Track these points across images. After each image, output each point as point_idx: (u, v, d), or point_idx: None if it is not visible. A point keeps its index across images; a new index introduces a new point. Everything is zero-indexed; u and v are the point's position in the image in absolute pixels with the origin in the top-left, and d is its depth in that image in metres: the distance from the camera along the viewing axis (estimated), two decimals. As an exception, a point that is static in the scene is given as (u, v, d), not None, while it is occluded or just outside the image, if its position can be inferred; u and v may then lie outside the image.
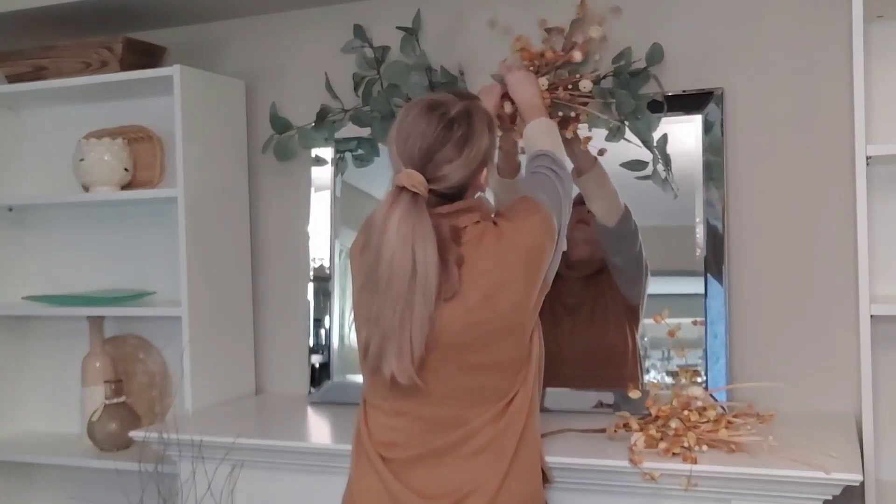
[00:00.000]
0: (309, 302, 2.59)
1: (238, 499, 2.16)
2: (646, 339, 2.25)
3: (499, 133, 1.98)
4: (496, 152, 1.73)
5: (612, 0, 2.28)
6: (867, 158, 1.87)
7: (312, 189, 2.61)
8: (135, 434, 2.28)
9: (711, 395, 2.02)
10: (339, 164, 2.57)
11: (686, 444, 1.80)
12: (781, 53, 2.20)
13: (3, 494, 2.81)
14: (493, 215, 1.68)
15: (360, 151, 2.52)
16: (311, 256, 2.60)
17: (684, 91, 2.24)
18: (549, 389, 2.17)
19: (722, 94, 2.22)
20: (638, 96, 2.18)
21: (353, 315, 1.67)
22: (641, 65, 2.22)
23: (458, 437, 1.62)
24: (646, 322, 2.25)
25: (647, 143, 2.18)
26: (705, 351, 2.18)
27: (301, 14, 2.65)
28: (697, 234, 2.21)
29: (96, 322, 2.67)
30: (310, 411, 2.44)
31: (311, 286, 2.59)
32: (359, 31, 2.45)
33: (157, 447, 2.22)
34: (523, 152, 2.16)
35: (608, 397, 2.23)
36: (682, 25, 2.27)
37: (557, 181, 1.78)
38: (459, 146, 1.59)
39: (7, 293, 2.83)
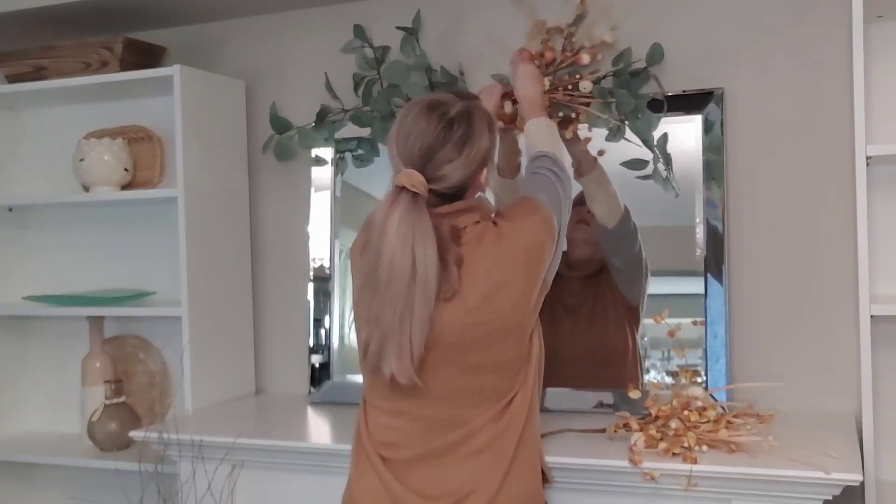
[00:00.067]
0: (309, 302, 2.59)
1: (238, 499, 2.16)
2: (646, 339, 2.25)
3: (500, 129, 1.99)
4: (496, 152, 1.73)
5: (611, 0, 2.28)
6: (867, 158, 1.87)
7: (312, 189, 2.61)
8: (135, 434, 2.28)
9: (711, 395, 2.02)
10: (339, 164, 2.57)
11: (686, 444, 1.80)
12: (781, 53, 2.20)
13: (3, 494, 2.81)
14: (493, 215, 1.68)
15: (360, 151, 2.52)
16: (311, 256, 2.60)
17: (684, 91, 2.24)
18: (549, 389, 2.17)
19: (722, 94, 2.22)
20: (638, 96, 2.18)
21: (352, 315, 1.67)
22: (641, 65, 2.22)
23: (458, 437, 1.62)
24: (646, 322, 2.25)
25: (647, 142, 2.19)
26: (705, 351, 2.18)
27: (301, 14, 2.65)
28: (697, 234, 2.21)
29: (96, 322, 2.67)
30: (310, 411, 2.44)
31: (311, 286, 2.59)
32: (359, 31, 2.45)
33: (157, 447, 2.22)
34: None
35: (608, 397, 2.23)
36: (682, 25, 2.27)
37: (557, 182, 1.78)
38: (459, 146, 1.59)
39: (7, 293, 2.83)
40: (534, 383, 1.68)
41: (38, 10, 2.55)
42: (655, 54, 2.22)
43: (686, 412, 1.87)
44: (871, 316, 1.86)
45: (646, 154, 2.20)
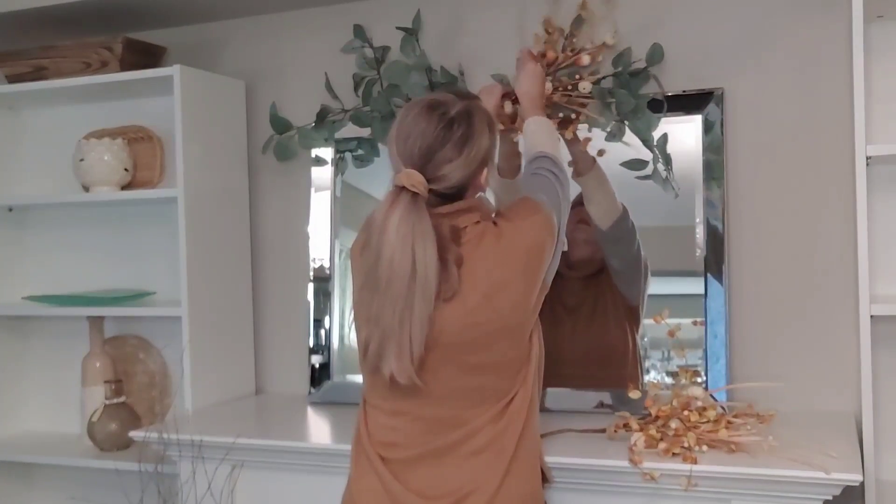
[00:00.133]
0: (309, 302, 2.59)
1: (238, 499, 2.16)
2: (646, 339, 2.25)
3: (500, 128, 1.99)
4: (496, 152, 1.73)
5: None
6: (867, 158, 1.87)
7: (312, 189, 2.61)
8: (135, 434, 2.28)
9: (711, 395, 2.02)
10: (339, 164, 2.57)
11: (686, 444, 1.80)
12: (781, 53, 2.20)
13: (3, 494, 2.81)
14: (493, 215, 1.68)
15: (360, 151, 2.52)
16: (311, 256, 2.60)
17: (684, 91, 2.24)
18: (549, 389, 2.17)
19: (722, 94, 2.22)
20: (638, 96, 2.18)
21: (352, 315, 1.67)
22: (641, 65, 2.22)
23: (458, 437, 1.62)
24: (646, 322, 2.25)
25: (647, 142, 2.18)
26: (705, 351, 2.18)
27: (301, 14, 2.65)
28: (697, 234, 2.21)
29: (96, 322, 2.67)
30: (310, 411, 2.44)
31: (311, 286, 2.59)
32: (359, 31, 2.45)
33: (157, 447, 2.22)
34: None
35: (608, 397, 2.23)
36: (682, 25, 2.27)
37: (557, 183, 1.78)
38: (459, 146, 1.59)
39: (7, 293, 2.83)
40: (534, 383, 1.68)
41: (38, 10, 2.55)
42: (655, 54, 2.22)
43: (686, 412, 1.87)
44: (871, 316, 1.86)
45: (645, 154, 2.20)
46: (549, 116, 2.10)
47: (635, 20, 2.28)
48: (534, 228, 1.65)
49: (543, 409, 1.98)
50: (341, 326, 2.55)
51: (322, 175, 2.60)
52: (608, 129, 2.18)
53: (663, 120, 2.18)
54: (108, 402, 2.54)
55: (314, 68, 2.59)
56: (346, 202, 2.58)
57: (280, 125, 2.56)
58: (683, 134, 2.22)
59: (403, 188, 1.56)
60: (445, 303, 1.56)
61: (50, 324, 2.90)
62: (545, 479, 1.77)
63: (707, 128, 2.22)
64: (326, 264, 2.58)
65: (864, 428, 1.86)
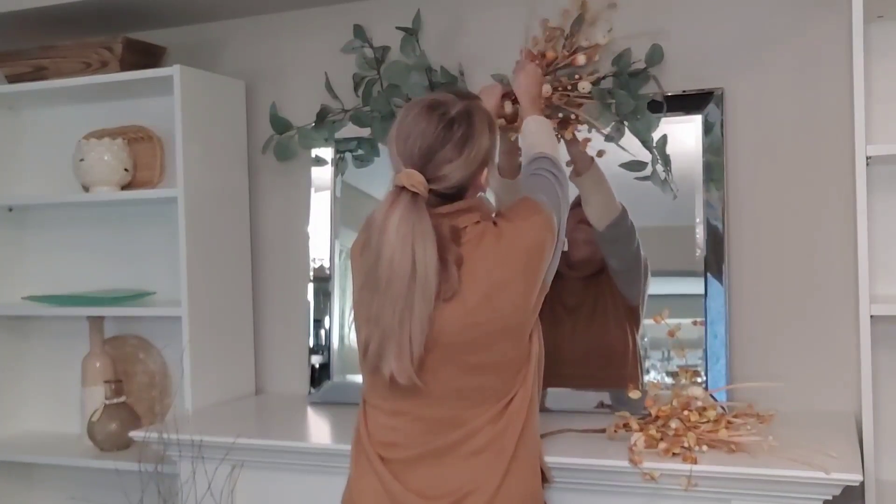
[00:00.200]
0: (309, 302, 2.59)
1: (238, 499, 2.16)
2: (646, 339, 2.25)
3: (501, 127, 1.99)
4: (497, 152, 1.73)
5: None
6: (867, 158, 1.87)
7: (312, 189, 2.61)
8: (135, 434, 2.28)
9: (711, 395, 2.02)
10: (339, 165, 2.57)
11: (686, 444, 1.80)
12: (781, 53, 2.20)
13: (3, 494, 2.81)
14: (493, 215, 1.68)
15: (360, 151, 2.52)
16: (311, 256, 2.60)
17: (684, 91, 2.24)
18: (549, 389, 2.17)
19: (722, 94, 2.22)
20: (638, 97, 2.18)
21: (352, 315, 1.67)
22: (641, 65, 2.22)
23: (458, 437, 1.62)
24: (646, 322, 2.25)
25: (646, 143, 2.18)
26: (705, 351, 2.18)
27: (301, 14, 2.65)
28: (697, 234, 2.21)
29: (96, 322, 2.67)
30: (310, 411, 2.44)
31: (311, 286, 2.59)
32: (359, 31, 2.45)
33: (157, 447, 2.22)
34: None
35: (608, 397, 2.23)
36: (682, 25, 2.27)
37: (556, 183, 1.78)
38: (460, 146, 1.59)
39: (7, 293, 2.83)
40: (533, 383, 1.68)
41: (38, 10, 2.55)
42: (655, 55, 2.22)
43: (686, 412, 1.87)
44: (871, 316, 1.86)
45: (645, 155, 2.20)
46: (548, 117, 2.11)
47: (635, 20, 2.28)
48: (534, 229, 1.65)
49: (543, 409, 1.98)
50: (341, 326, 2.55)
51: (322, 175, 2.60)
52: (607, 130, 2.18)
53: (663, 120, 2.18)
54: (108, 402, 2.54)
55: (314, 68, 2.59)
56: (346, 202, 2.58)
57: (280, 125, 2.56)
58: (683, 134, 2.22)
59: (403, 188, 1.56)
60: (445, 303, 1.56)
61: (50, 324, 2.90)
62: (545, 479, 1.77)
63: (707, 128, 2.22)
64: (326, 264, 2.58)
65: (864, 428, 1.86)
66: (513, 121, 2.15)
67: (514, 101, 2.13)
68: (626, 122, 2.19)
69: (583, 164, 2.21)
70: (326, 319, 2.56)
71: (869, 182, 1.89)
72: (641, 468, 1.77)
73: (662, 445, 1.81)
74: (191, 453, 2.16)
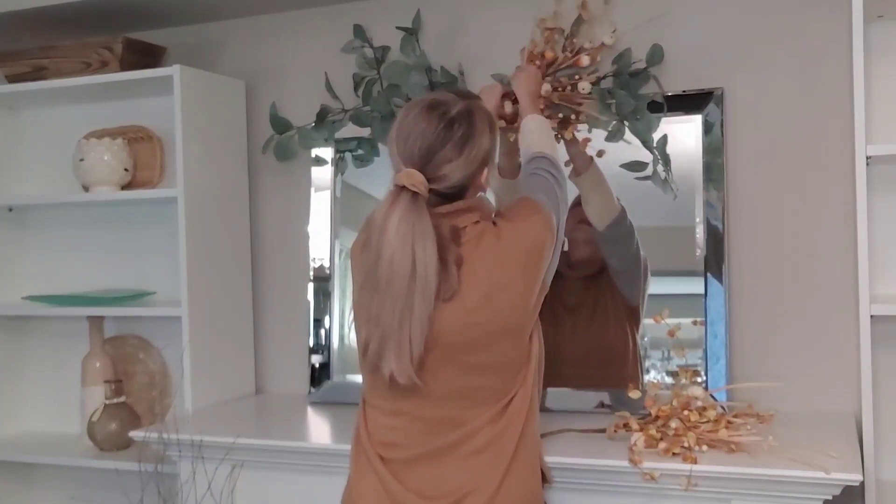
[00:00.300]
0: (309, 302, 2.59)
1: (238, 499, 2.16)
2: (646, 339, 2.25)
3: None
4: (497, 152, 1.73)
5: None
6: (867, 158, 1.87)
7: (312, 189, 2.61)
8: (135, 434, 2.28)
9: (711, 395, 2.02)
10: (339, 164, 2.57)
11: (686, 444, 1.80)
12: (781, 53, 2.20)
13: (3, 494, 2.81)
14: (493, 215, 1.68)
15: (360, 151, 2.52)
16: (311, 256, 2.60)
17: (684, 91, 2.24)
18: (549, 389, 2.17)
19: (722, 94, 2.22)
20: (638, 96, 2.18)
21: (352, 315, 1.67)
22: (641, 65, 2.22)
23: (458, 437, 1.62)
24: (646, 322, 2.25)
25: (646, 143, 2.18)
26: (705, 351, 2.18)
27: (301, 14, 2.65)
28: (697, 234, 2.21)
29: (96, 322, 2.67)
30: (310, 411, 2.44)
31: (311, 286, 2.59)
32: (359, 31, 2.45)
33: (157, 447, 2.22)
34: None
35: (608, 397, 2.23)
36: (682, 25, 2.27)
37: (555, 183, 1.78)
38: (460, 146, 1.59)
39: (7, 293, 2.83)
40: (533, 384, 1.68)
41: (38, 10, 2.55)
42: (655, 55, 2.22)
43: (686, 412, 1.87)
44: (871, 316, 1.86)
45: (645, 156, 2.20)
46: (548, 116, 2.11)
47: (635, 20, 2.28)
48: (534, 228, 1.65)
49: (543, 409, 1.98)
50: (341, 326, 2.55)
51: (322, 175, 2.60)
52: (608, 130, 2.18)
53: (663, 120, 2.18)
54: (108, 402, 2.54)
55: (314, 68, 2.59)
56: (346, 202, 2.58)
57: (280, 125, 2.56)
58: (683, 134, 2.22)
59: (404, 188, 1.55)
60: (445, 303, 1.56)
61: (50, 324, 2.90)
62: (545, 479, 1.77)
63: (707, 128, 2.22)
64: (326, 264, 2.58)
65: (864, 428, 1.86)
66: (513, 121, 2.15)
67: (514, 102, 2.13)
68: (626, 122, 2.18)
69: (582, 164, 2.21)
70: (326, 319, 2.56)
71: (869, 182, 1.89)
72: (641, 468, 1.77)
73: (662, 445, 1.81)
74: (191, 453, 2.16)
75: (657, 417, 1.89)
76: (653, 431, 1.85)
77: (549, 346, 1.76)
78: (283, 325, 2.69)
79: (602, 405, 2.23)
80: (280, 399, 2.62)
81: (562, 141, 2.19)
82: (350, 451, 1.74)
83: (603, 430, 1.98)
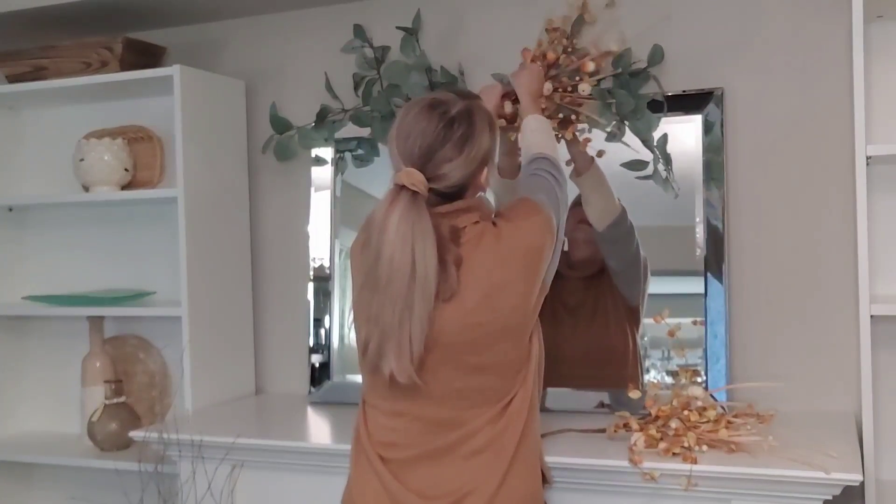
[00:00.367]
0: (309, 302, 2.59)
1: (238, 499, 2.16)
2: (646, 338, 2.25)
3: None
4: (497, 152, 1.73)
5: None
6: (867, 158, 1.87)
7: (312, 189, 2.62)
8: (135, 434, 2.28)
9: (711, 395, 2.02)
10: (339, 164, 2.57)
11: (686, 444, 1.80)
12: (781, 53, 2.20)
13: (3, 494, 2.81)
14: (493, 216, 1.68)
15: (360, 151, 2.52)
16: (311, 256, 2.60)
17: (684, 91, 2.24)
18: (549, 389, 2.17)
19: (722, 94, 2.22)
20: (638, 96, 2.18)
21: (352, 314, 1.67)
22: (641, 65, 2.22)
23: (457, 437, 1.62)
24: (646, 322, 2.25)
25: (647, 142, 2.18)
26: (705, 351, 2.18)
27: (301, 14, 2.65)
28: (697, 234, 2.21)
29: (96, 322, 2.67)
30: (310, 411, 2.44)
31: (311, 286, 2.59)
32: (359, 31, 2.45)
33: (157, 447, 2.22)
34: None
35: (608, 397, 2.23)
36: (682, 25, 2.27)
37: (555, 184, 1.77)
38: (460, 145, 1.59)
39: (7, 293, 2.83)
40: (534, 384, 1.68)
41: (38, 10, 2.55)
42: (655, 55, 2.22)
43: (686, 412, 1.87)
44: (871, 316, 1.86)
45: (645, 155, 2.20)
46: (549, 117, 2.11)
47: (636, 21, 2.28)
48: (533, 229, 1.65)
49: (544, 409, 1.98)
50: (341, 326, 2.55)
51: (322, 175, 2.60)
52: (608, 130, 2.18)
53: (663, 120, 2.18)
54: (108, 402, 2.54)
55: (314, 68, 2.59)
56: (346, 202, 2.58)
57: (280, 125, 2.56)
58: (683, 134, 2.22)
59: (403, 187, 1.55)
60: (444, 303, 1.56)
61: (50, 324, 2.90)
62: (545, 479, 1.77)
63: (707, 128, 2.22)
64: (326, 264, 2.58)
65: (864, 428, 1.86)
66: (513, 121, 2.15)
67: (514, 102, 2.13)
68: (626, 122, 2.18)
69: (583, 164, 2.21)
70: (326, 319, 2.56)
71: (869, 182, 1.89)
72: (641, 468, 1.77)
73: (662, 445, 1.81)
74: (191, 453, 2.16)
75: (657, 417, 1.89)
76: (653, 431, 1.85)
77: (550, 346, 1.76)
78: (283, 325, 2.69)
79: (602, 405, 2.23)
80: (280, 399, 2.62)
81: (562, 141, 2.19)
82: (350, 451, 1.74)
83: (603, 430, 1.98)
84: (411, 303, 1.52)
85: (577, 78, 2.20)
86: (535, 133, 1.91)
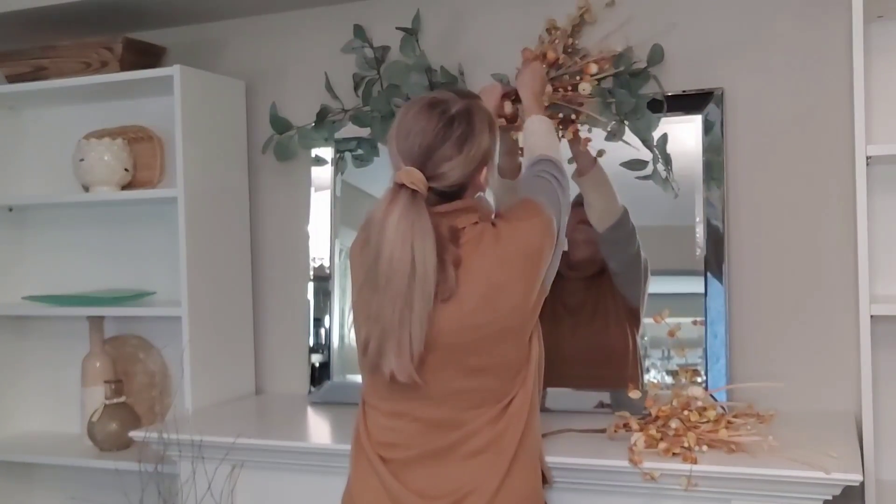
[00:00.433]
0: (309, 302, 2.59)
1: (238, 499, 2.16)
2: (646, 338, 2.25)
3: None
4: (497, 152, 1.73)
5: None
6: (867, 158, 1.87)
7: (312, 189, 2.61)
8: (135, 434, 2.28)
9: (711, 395, 2.02)
10: (339, 164, 2.57)
11: (686, 444, 1.80)
12: (781, 53, 2.20)
13: (3, 494, 2.81)
14: (492, 216, 1.68)
15: (360, 151, 2.52)
16: (311, 256, 2.60)
17: (684, 91, 2.24)
18: (549, 389, 2.17)
19: (722, 94, 2.22)
20: (638, 96, 2.18)
21: (352, 314, 1.67)
22: (642, 65, 2.22)
23: (457, 438, 1.62)
24: (646, 322, 2.25)
25: (646, 142, 2.18)
26: (705, 351, 2.18)
27: (301, 14, 2.65)
28: (697, 234, 2.21)
29: (96, 322, 2.67)
30: (310, 411, 2.44)
31: (311, 286, 2.59)
32: (359, 31, 2.45)
33: (157, 447, 2.22)
34: (523, 153, 2.18)
35: (608, 397, 2.23)
36: (682, 25, 2.27)
37: (558, 187, 1.77)
38: (459, 144, 1.59)
39: (7, 293, 2.83)
40: (534, 385, 1.68)
41: (38, 10, 2.55)
42: (656, 55, 2.22)
43: (686, 412, 1.87)
44: (871, 316, 1.86)
45: (645, 155, 2.20)
46: (549, 116, 2.10)
47: (635, 21, 2.28)
48: (533, 230, 1.65)
49: (544, 409, 1.98)
50: (341, 326, 2.55)
51: (322, 175, 2.60)
52: (608, 129, 2.18)
53: (663, 120, 2.18)
54: (108, 402, 2.54)
55: (314, 68, 2.59)
56: (346, 202, 2.58)
57: (280, 125, 2.56)
58: (683, 134, 2.22)
59: (403, 186, 1.55)
60: (443, 303, 1.56)
61: (50, 324, 2.90)
62: (545, 480, 1.77)
63: (707, 128, 2.22)
64: (326, 264, 2.58)
65: (864, 428, 1.86)
66: (513, 120, 2.15)
67: (514, 101, 2.13)
68: (626, 122, 2.18)
69: (586, 165, 2.21)
70: (326, 319, 2.56)
71: (869, 182, 1.89)
72: (641, 468, 1.77)
73: (662, 445, 1.81)
74: (191, 453, 2.16)
75: (657, 417, 1.89)
76: (653, 431, 1.85)
77: (550, 347, 1.76)
78: (283, 325, 2.69)
79: (602, 405, 2.23)
80: (280, 399, 2.62)
81: (563, 140, 2.19)
82: (350, 451, 1.74)
83: (603, 430, 1.98)
84: (411, 301, 1.52)
85: (578, 78, 2.20)
86: (539, 135, 1.91)
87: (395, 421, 1.65)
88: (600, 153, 2.21)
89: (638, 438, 1.82)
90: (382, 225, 1.53)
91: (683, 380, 1.96)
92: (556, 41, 2.26)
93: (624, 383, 2.16)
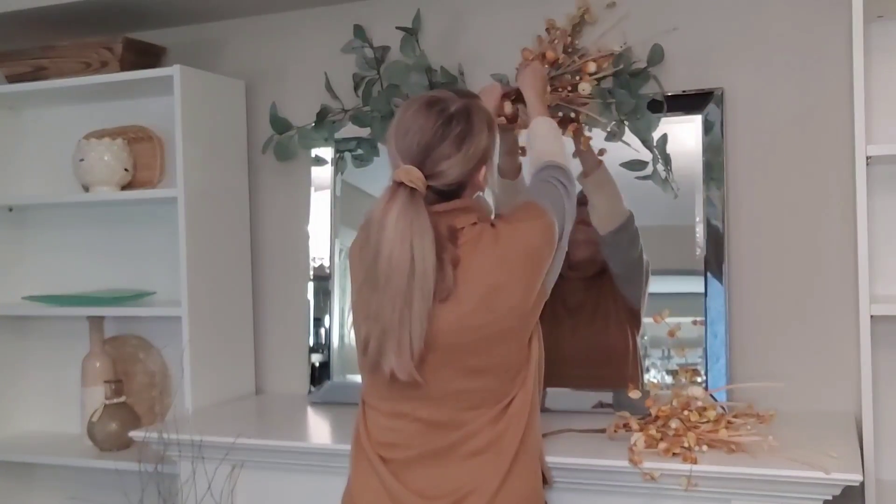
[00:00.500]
0: (309, 301, 2.59)
1: (238, 499, 2.16)
2: (646, 338, 2.25)
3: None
4: (496, 152, 1.72)
5: None
6: (867, 158, 1.87)
7: (312, 189, 2.61)
8: (135, 434, 2.28)
9: (711, 395, 2.02)
10: (339, 164, 2.58)
11: (686, 444, 1.80)
12: (781, 53, 2.20)
13: (3, 494, 2.81)
14: (492, 217, 1.68)
15: (359, 151, 2.52)
16: (311, 256, 2.60)
17: (684, 91, 2.24)
18: (549, 389, 2.17)
19: (722, 94, 2.22)
20: (638, 96, 2.18)
21: (351, 314, 1.67)
22: (642, 65, 2.22)
23: (457, 438, 1.62)
24: (646, 321, 2.25)
25: (646, 142, 2.18)
26: (705, 351, 2.18)
27: (301, 14, 2.65)
28: (697, 234, 2.21)
29: (96, 322, 2.67)
30: (310, 411, 2.44)
31: (311, 286, 2.59)
32: (359, 31, 2.45)
33: (157, 447, 2.22)
34: (524, 153, 2.18)
35: (608, 397, 2.23)
36: (682, 25, 2.26)
37: (565, 196, 1.76)
38: (458, 143, 1.58)
39: (7, 293, 2.83)
40: (534, 386, 1.67)
41: (38, 10, 2.55)
42: (656, 55, 2.22)
43: (686, 412, 1.87)
44: (871, 316, 1.86)
45: (645, 155, 2.20)
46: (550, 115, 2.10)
47: (635, 21, 2.28)
48: (533, 231, 1.64)
49: (544, 410, 1.97)
50: (341, 325, 2.55)
51: (322, 175, 2.60)
52: (608, 130, 2.18)
53: (663, 120, 2.18)
54: (108, 402, 2.54)
55: (314, 68, 2.59)
56: (345, 202, 2.58)
57: (280, 125, 2.56)
58: (683, 134, 2.22)
59: (401, 184, 1.55)
60: (441, 303, 1.55)
61: (50, 324, 2.90)
62: (545, 480, 1.77)
63: (707, 128, 2.22)
64: (326, 263, 2.58)
65: (864, 428, 1.86)
66: (513, 120, 2.15)
67: (514, 101, 2.12)
68: (626, 122, 2.18)
69: (590, 166, 2.20)
70: (326, 318, 2.56)
71: (869, 182, 1.89)
72: (641, 468, 1.77)
73: (662, 445, 1.81)
74: (191, 453, 2.16)
75: (657, 417, 1.89)
76: (653, 431, 1.85)
77: (550, 347, 1.76)
78: (283, 324, 2.69)
79: (602, 405, 2.22)
80: (280, 399, 2.62)
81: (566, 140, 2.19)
82: (350, 451, 1.73)
83: (603, 430, 1.98)
84: (410, 299, 1.52)
85: (577, 77, 2.20)
86: (546, 139, 1.90)
87: (396, 421, 1.65)
88: (601, 153, 2.21)
89: (638, 438, 1.82)
90: (381, 223, 1.53)
91: (683, 380, 1.96)
92: (556, 41, 2.26)
93: (624, 383, 2.15)
